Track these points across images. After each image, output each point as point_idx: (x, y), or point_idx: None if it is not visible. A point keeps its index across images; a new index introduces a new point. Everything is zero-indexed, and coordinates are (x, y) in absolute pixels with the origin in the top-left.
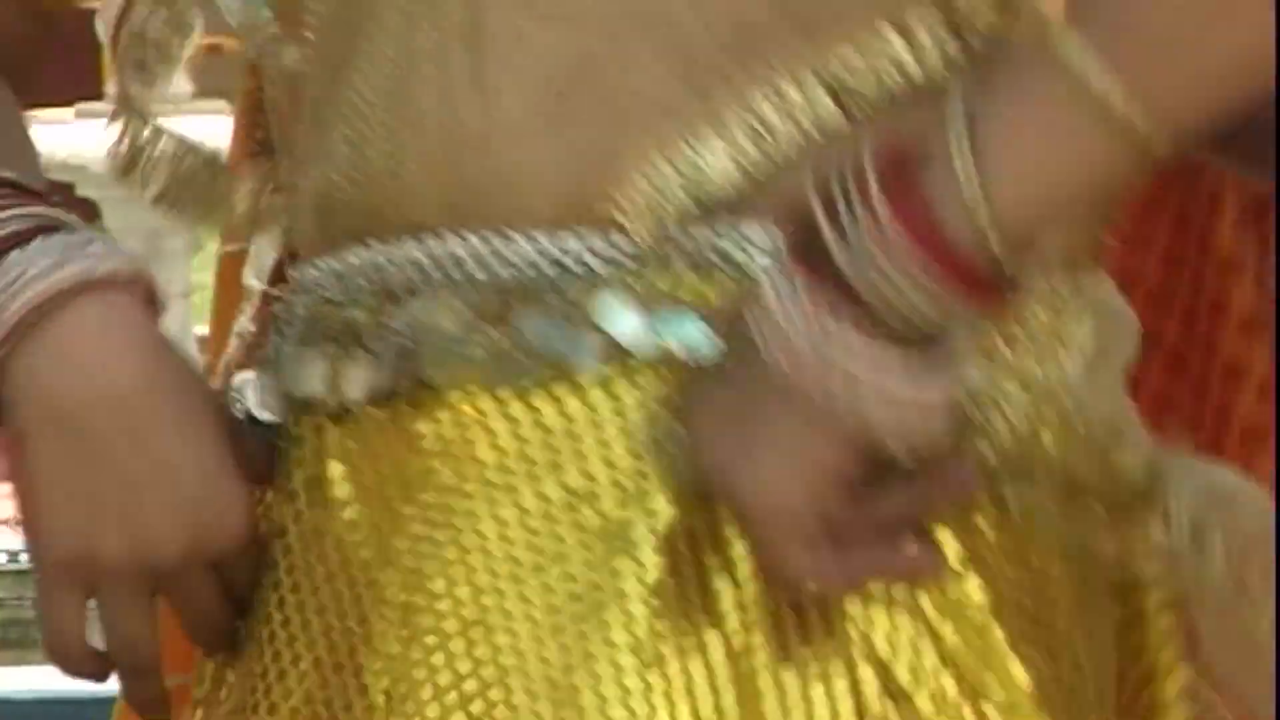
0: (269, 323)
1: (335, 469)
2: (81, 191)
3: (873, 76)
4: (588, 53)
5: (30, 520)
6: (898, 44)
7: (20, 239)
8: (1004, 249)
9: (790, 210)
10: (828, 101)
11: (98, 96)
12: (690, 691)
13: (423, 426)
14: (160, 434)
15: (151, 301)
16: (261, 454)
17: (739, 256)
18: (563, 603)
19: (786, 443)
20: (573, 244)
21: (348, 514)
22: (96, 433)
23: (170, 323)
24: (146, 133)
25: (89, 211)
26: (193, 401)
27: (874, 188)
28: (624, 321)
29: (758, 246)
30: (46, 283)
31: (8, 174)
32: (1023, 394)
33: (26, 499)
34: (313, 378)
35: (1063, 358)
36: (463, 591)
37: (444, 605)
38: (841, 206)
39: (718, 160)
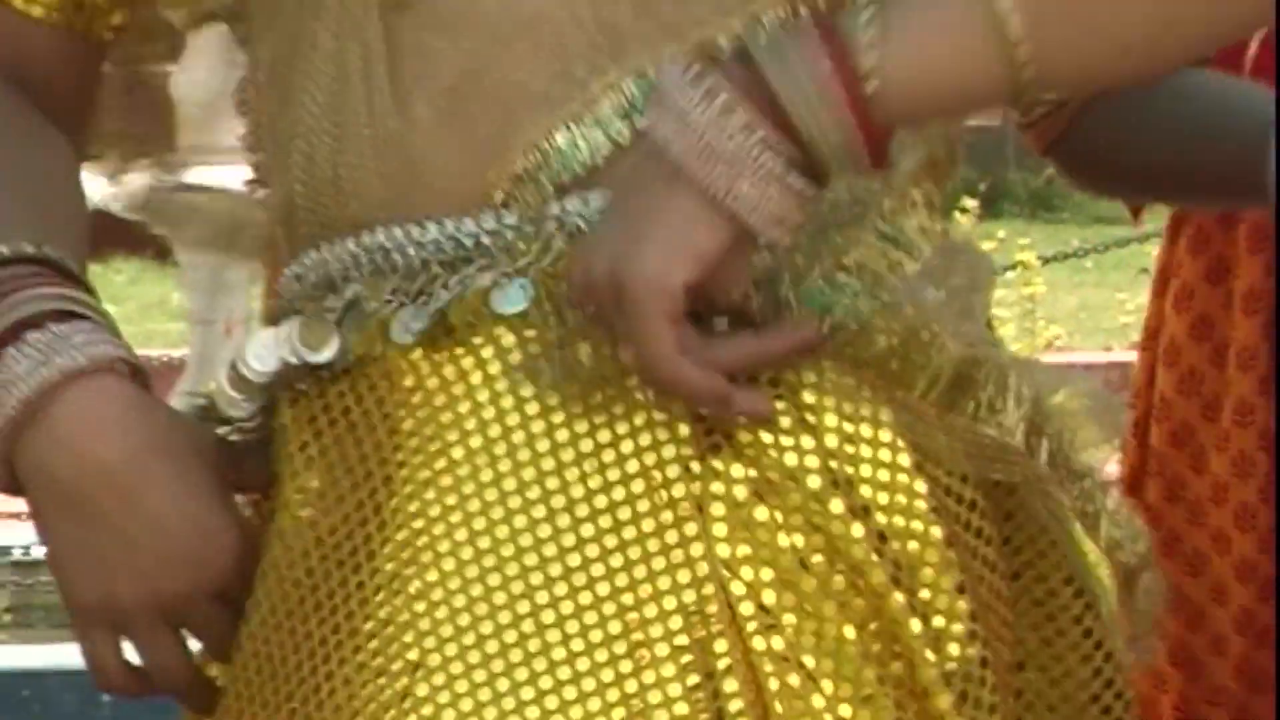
0: None
1: (292, 446)
2: (155, 229)
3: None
4: (479, 57)
5: (56, 576)
6: (755, 29)
7: (22, 328)
8: (883, 116)
9: (703, 48)
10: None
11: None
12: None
13: (363, 386)
14: (147, 494)
15: (136, 374)
16: (255, 465)
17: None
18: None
19: (671, 230)
20: (470, 226)
21: (303, 482)
22: (93, 502)
23: (235, 348)
24: (180, 182)
25: (160, 248)
26: (177, 456)
27: (815, 36)
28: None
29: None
30: (36, 379)
31: (30, 251)
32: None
33: (50, 559)
34: (263, 353)
35: (910, 266)
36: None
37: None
38: (770, 40)
39: (594, 136)
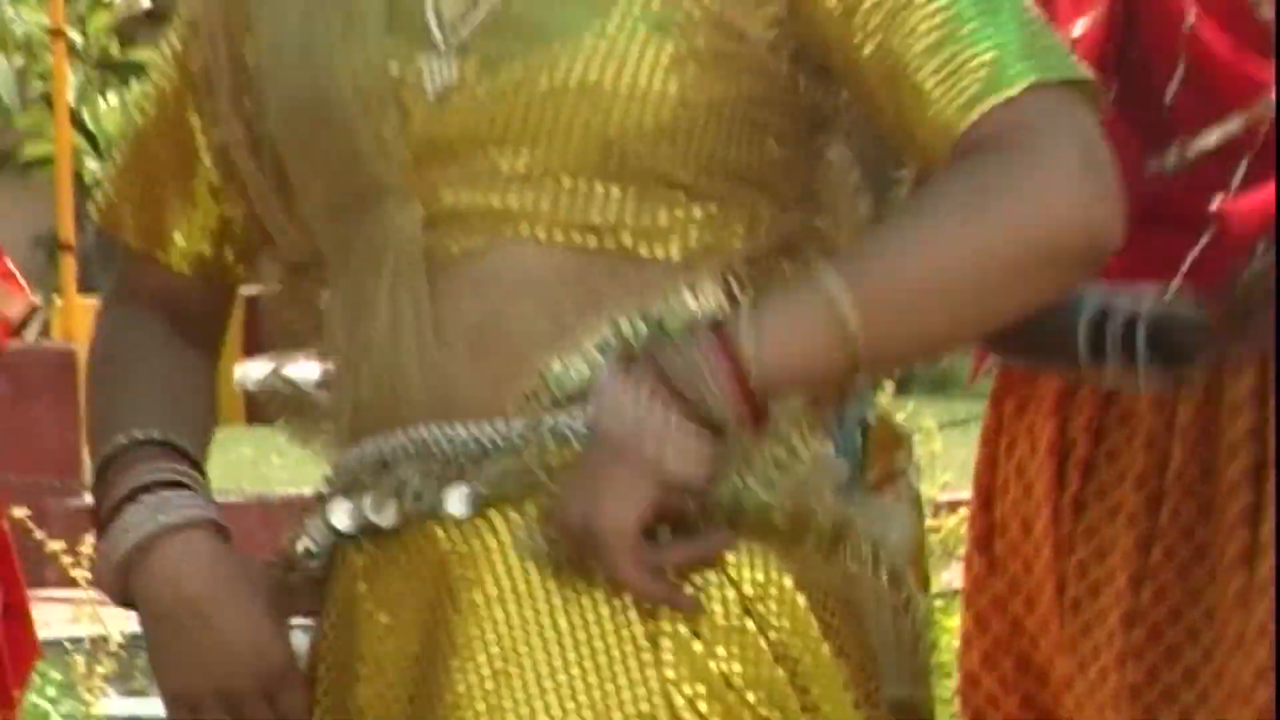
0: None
1: (361, 585)
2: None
3: (677, 311)
4: (496, 308)
5: (153, 671)
6: (690, 300)
7: (140, 491)
8: (758, 385)
9: (630, 346)
10: (645, 328)
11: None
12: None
13: (416, 557)
14: (218, 620)
15: (219, 530)
16: (309, 595)
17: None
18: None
19: (619, 487)
20: (489, 430)
21: (380, 616)
22: (179, 622)
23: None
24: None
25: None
26: (241, 593)
27: (707, 333)
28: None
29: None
30: (146, 530)
31: (157, 437)
32: (769, 467)
33: (150, 658)
34: (339, 515)
35: (791, 452)
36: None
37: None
38: (679, 342)
39: (578, 366)
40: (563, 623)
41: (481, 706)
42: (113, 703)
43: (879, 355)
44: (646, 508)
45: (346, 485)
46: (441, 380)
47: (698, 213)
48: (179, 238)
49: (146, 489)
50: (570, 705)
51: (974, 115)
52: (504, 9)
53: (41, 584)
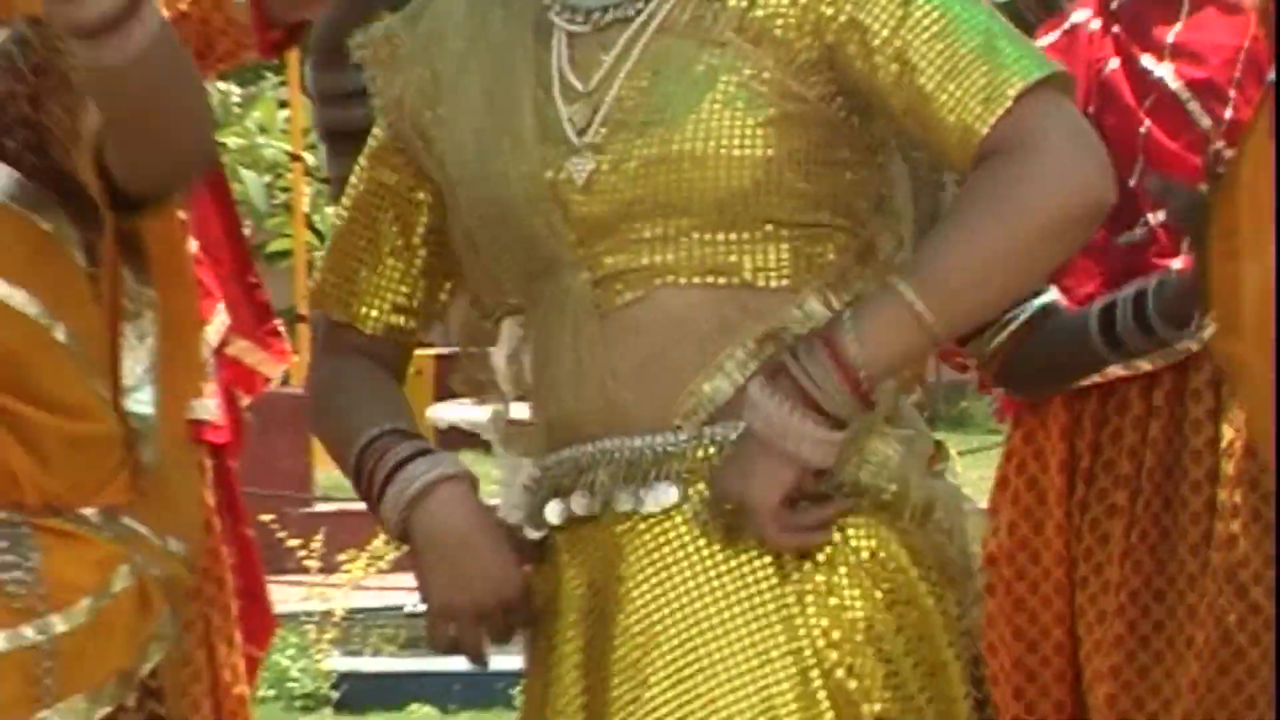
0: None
1: (564, 555)
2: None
3: (796, 328)
4: (654, 346)
5: (423, 593)
6: (799, 315)
7: (410, 458)
8: (864, 380)
9: (768, 364)
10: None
11: None
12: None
13: (603, 535)
14: (480, 550)
15: (473, 482)
16: (529, 548)
17: (733, 437)
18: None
19: (767, 473)
20: (659, 441)
21: (572, 578)
22: (449, 551)
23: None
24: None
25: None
26: (493, 531)
27: (822, 347)
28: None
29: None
30: (424, 480)
31: (402, 426)
32: (878, 457)
33: (419, 581)
34: (552, 512)
35: (891, 446)
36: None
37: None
38: (802, 356)
39: (723, 385)
40: (726, 583)
41: (640, 640)
42: (335, 660)
43: (952, 330)
44: (788, 488)
45: (554, 485)
46: (616, 404)
47: (798, 243)
48: (373, 311)
49: (412, 457)
50: (737, 646)
51: (985, 130)
52: (618, 110)
53: (282, 571)
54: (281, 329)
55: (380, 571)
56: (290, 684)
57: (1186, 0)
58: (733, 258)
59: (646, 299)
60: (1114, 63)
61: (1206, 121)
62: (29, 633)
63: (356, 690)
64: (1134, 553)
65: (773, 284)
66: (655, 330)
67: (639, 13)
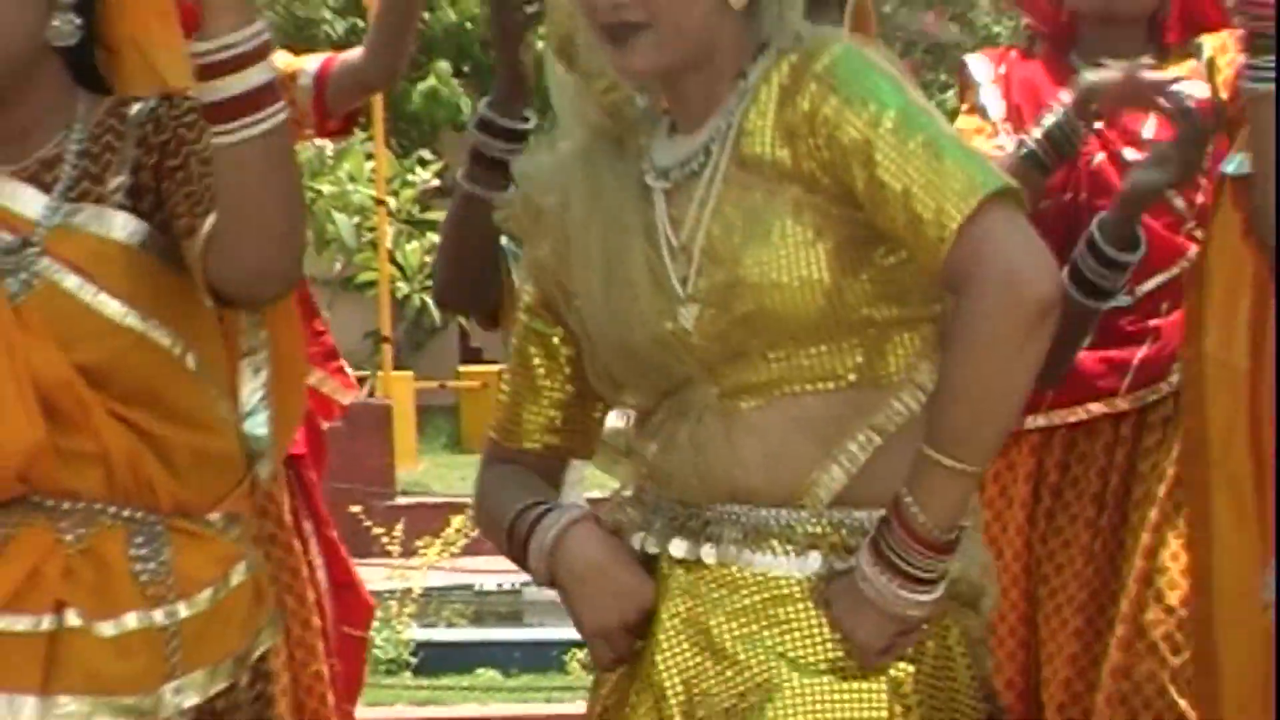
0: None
1: (680, 579)
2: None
3: (897, 420)
4: (778, 444)
5: (577, 624)
6: (898, 407)
7: (542, 516)
8: (941, 538)
9: (872, 540)
10: (877, 438)
11: None
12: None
13: (712, 576)
14: (615, 572)
15: (599, 521)
16: (646, 561)
17: (849, 521)
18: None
19: (874, 625)
20: (783, 514)
21: (679, 606)
22: (589, 580)
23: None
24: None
25: None
26: (623, 552)
27: (898, 527)
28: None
29: (854, 524)
30: (556, 529)
31: (539, 499)
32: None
33: (573, 616)
34: (678, 549)
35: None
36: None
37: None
38: (888, 536)
39: (838, 475)
40: (820, 642)
41: (743, 674)
42: (414, 631)
43: (989, 456)
44: (889, 637)
45: (677, 524)
46: (744, 480)
47: (872, 336)
48: (531, 438)
49: (544, 514)
50: (830, 698)
51: (943, 254)
52: (708, 261)
53: (368, 555)
54: (346, 366)
55: (453, 555)
56: (375, 651)
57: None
58: (830, 365)
59: (768, 405)
60: (1100, 155)
61: (1181, 204)
62: (158, 616)
63: (432, 657)
64: (1095, 559)
65: (871, 380)
66: (777, 430)
67: (703, 166)
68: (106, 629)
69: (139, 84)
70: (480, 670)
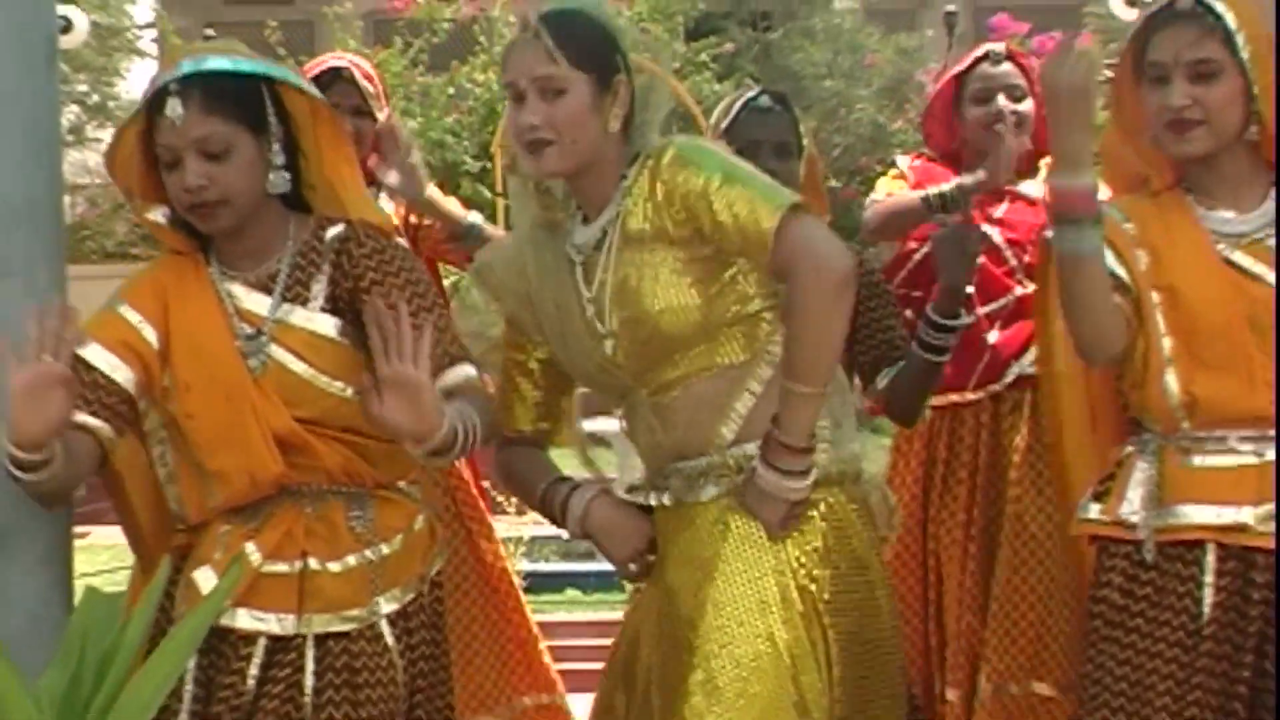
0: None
1: (662, 522)
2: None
3: (760, 386)
4: (693, 414)
5: (609, 558)
6: (760, 376)
7: (570, 495)
8: (801, 444)
9: (762, 452)
10: (750, 397)
11: None
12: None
13: (678, 512)
14: (627, 524)
15: (608, 488)
16: (648, 511)
17: (743, 453)
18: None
19: (771, 508)
20: (702, 461)
21: (666, 535)
22: (612, 532)
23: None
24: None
25: None
26: (630, 509)
27: (776, 443)
28: (710, 490)
29: (750, 453)
30: (582, 506)
31: (556, 476)
32: (845, 451)
33: (605, 554)
34: (654, 500)
35: (829, 458)
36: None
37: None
38: (771, 450)
39: (731, 428)
40: (742, 536)
41: (695, 565)
42: (524, 564)
43: (824, 378)
44: (783, 514)
45: (652, 484)
46: (673, 443)
47: (747, 328)
48: (524, 426)
49: (570, 494)
50: (743, 567)
51: (768, 256)
52: (614, 307)
53: (493, 512)
54: None
55: None
56: None
57: (1007, 195)
58: (716, 357)
59: (682, 393)
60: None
61: (1015, 262)
62: (368, 555)
63: (536, 582)
64: (975, 520)
65: (740, 360)
66: (690, 408)
67: (601, 243)
68: (335, 567)
69: (332, 210)
70: (568, 590)
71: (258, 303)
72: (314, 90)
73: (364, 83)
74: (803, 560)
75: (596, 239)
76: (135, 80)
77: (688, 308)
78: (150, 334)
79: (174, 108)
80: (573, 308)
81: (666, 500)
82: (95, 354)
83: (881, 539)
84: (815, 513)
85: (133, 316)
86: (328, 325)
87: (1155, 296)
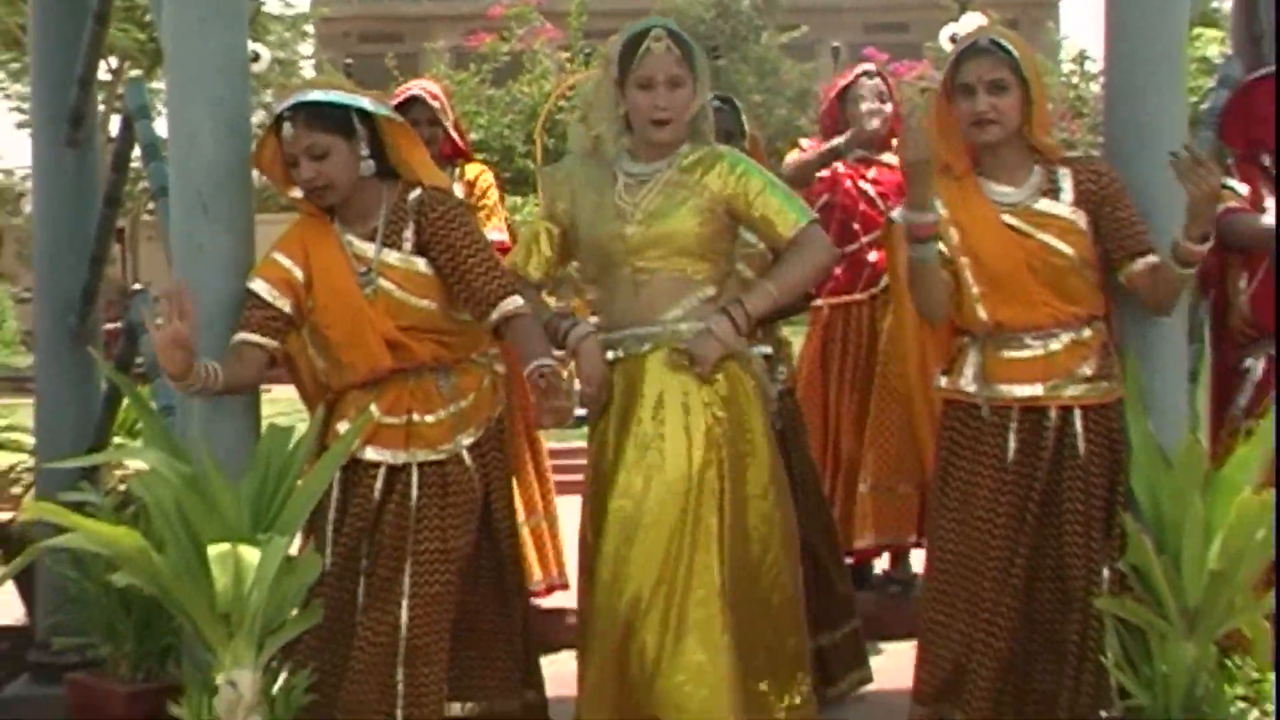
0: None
1: (618, 374)
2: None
3: (710, 295)
4: (658, 294)
5: (581, 380)
6: (710, 292)
7: (570, 328)
8: (755, 315)
9: (721, 309)
10: (701, 298)
11: None
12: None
13: (630, 367)
14: (597, 362)
15: (595, 334)
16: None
17: (685, 328)
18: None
19: (713, 349)
20: (654, 329)
21: (619, 386)
22: (590, 362)
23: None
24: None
25: None
26: (601, 354)
27: (738, 305)
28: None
29: (681, 330)
30: (578, 335)
31: (554, 312)
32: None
33: (580, 376)
34: (610, 354)
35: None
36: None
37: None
38: (732, 309)
39: (682, 310)
40: (676, 384)
41: (651, 422)
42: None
43: (781, 303)
44: (719, 354)
45: (614, 344)
46: (641, 314)
47: (711, 263)
48: (535, 274)
49: (571, 328)
50: (678, 405)
51: (790, 236)
52: (645, 213)
53: None
54: None
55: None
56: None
57: (874, 164)
58: (685, 266)
59: (655, 277)
60: (848, 183)
61: (883, 206)
62: (452, 408)
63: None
64: (858, 379)
65: (701, 277)
66: (659, 288)
67: (650, 176)
68: (430, 419)
69: (410, 178)
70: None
71: (366, 249)
72: (373, 107)
73: (433, 101)
74: (712, 402)
75: (646, 173)
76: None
77: (690, 233)
78: (297, 272)
79: (287, 129)
80: (608, 203)
81: (621, 354)
82: (261, 287)
83: (770, 411)
84: (721, 374)
85: (285, 261)
86: (416, 263)
87: (964, 260)
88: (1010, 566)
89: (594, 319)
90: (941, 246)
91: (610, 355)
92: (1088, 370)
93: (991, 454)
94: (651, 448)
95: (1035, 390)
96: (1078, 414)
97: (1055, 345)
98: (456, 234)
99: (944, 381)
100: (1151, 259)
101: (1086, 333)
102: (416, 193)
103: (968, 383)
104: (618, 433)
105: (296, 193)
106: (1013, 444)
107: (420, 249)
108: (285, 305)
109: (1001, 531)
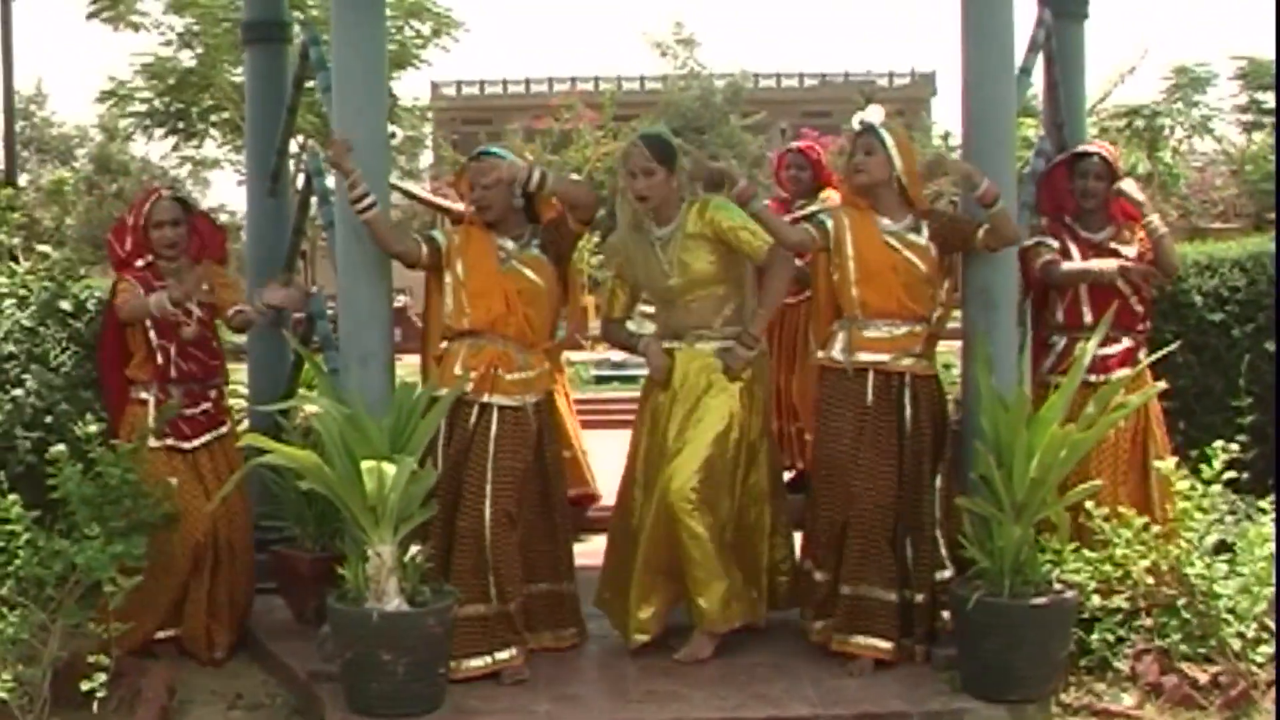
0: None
1: (676, 361)
2: None
3: (732, 312)
4: (701, 312)
5: (649, 367)
6: (731, 308)
7: (639, 337)
8: (757, 334)
9: (737, 337)
10: (728, 312)
11: None
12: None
13: (683, 356)
14: (658, 354)
15: (657, 339)
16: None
17: (725, 335)
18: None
19: (735, 360)
20: (703, 332)
21: (678, 370)
22: (652, 357)
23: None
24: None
25: None
26: (661, 349)
27: (746, 335)
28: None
29: (725, 334)
30: (645, 341)
31: (629, 329)
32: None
33: (649, 366)
34: (667, 345)
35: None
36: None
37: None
38: (744, 336)
39: (719, 323)
40: (719, 378)
41: (688, 407)
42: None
43: (773, 315)
44: (741, 366)
45: (664, 336)
46: (691, 324)
47: (728, 282)
48: (618, 311)
49: (643, 337)
50: (716, 392)
51: (760, 260)
52: (677, 264)
53: None
54: None
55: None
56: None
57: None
58: (717, 290)
59: (698, 303)
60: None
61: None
62: (523, 374)
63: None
64: (797, 353)
65: (723, 292)
66: (699, 310)
67: (671, 236)
68: (509, 377)
69: (536, 214)
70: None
71: (509, 244)
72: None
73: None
74: (741, 390)
75: (667, 235)
76: (424, 160)
77: (710, 271)
78: (443, 244)
79: (473, 166)
80: (652, 262)
81: (680, 346)
82: (432, 237)
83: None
84: (750, 376)
85: (440, 238)
86: (543, 254)
87: (851, 258)
88: (875, 470)
89: (649, 326)
90: (829, 227)
91: (667, 345)
92: (917, 349)
93: (855, 401)
94: (698, 406)
95: (884, 358)
96: (909, 377)
97: (899, 330)
98: (561, 242)
99: (820, 354)
100: (985, 226)
101: (919, 327)
102: (541, 223)
103: (838, 353)
104: (670, 397)
105: (470, 209)
106: (870, 394)
107: (544, 248)
108: (437, 250)
109: (866, 451)
